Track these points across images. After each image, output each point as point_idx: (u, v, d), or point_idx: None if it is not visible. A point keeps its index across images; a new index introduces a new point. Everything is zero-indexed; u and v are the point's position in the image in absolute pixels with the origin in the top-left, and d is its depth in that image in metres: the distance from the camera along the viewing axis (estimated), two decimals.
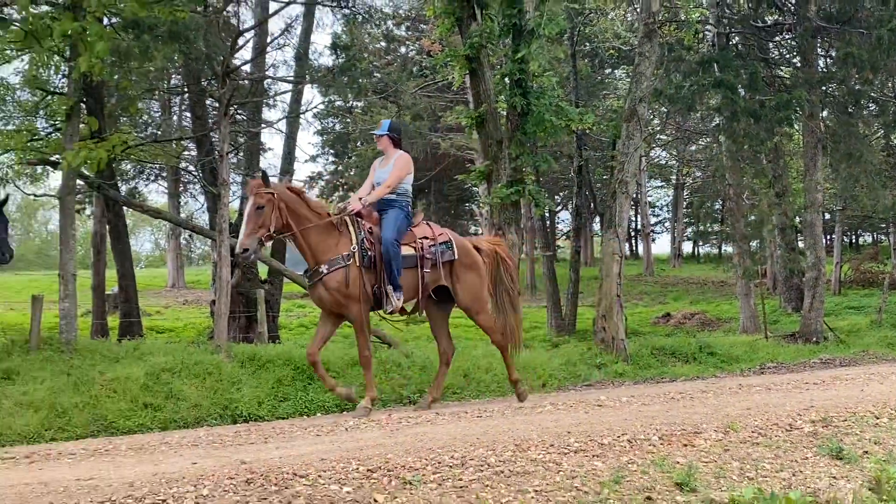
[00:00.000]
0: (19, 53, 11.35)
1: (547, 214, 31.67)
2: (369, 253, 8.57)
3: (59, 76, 11.78)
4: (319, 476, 4.89)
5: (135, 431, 8.35)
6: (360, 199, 9.02)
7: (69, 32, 9.39)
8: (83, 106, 10.88)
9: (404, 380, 10.53)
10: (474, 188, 35.05)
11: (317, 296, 8.68)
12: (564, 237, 50.19)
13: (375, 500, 4.53)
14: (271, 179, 8.65)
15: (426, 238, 9.06)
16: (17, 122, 12.26)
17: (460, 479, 4.94)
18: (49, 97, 11.94)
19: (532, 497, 4.71)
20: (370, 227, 8.79)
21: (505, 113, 14.51)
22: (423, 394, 10.28)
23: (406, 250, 8.82)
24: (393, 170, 9.05)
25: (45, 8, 10.82)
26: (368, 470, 5.01)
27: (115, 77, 11.58)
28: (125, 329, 14.46)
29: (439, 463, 5.23)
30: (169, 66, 12.85)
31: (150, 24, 10.28)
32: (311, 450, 6.28)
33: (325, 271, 8.39)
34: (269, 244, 9.64)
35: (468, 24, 14.40)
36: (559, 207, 44.93)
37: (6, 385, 8.91)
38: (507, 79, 14.11)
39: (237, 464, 5.65)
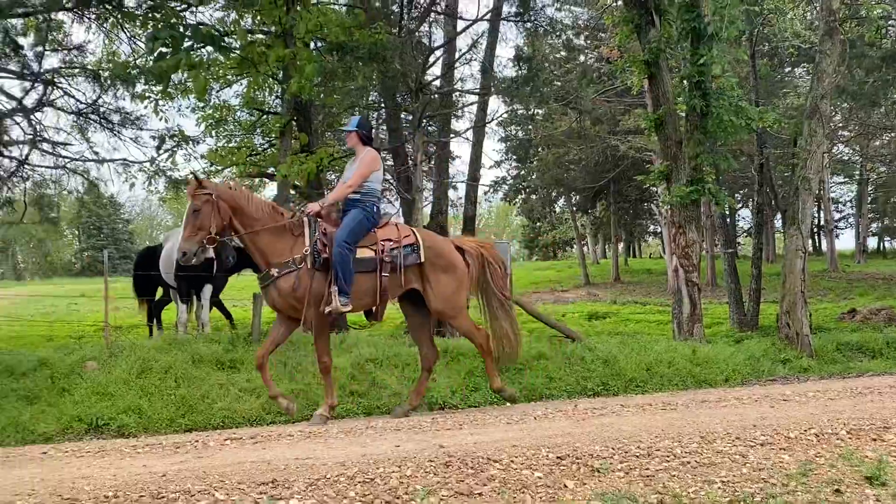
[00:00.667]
0: (239, 78, 12.01)
1: (727, 212, 30.50)
2: (322, 256, 7.82)
3: (273, 97, 12.41)
4: (512, 461, 4.94)
5: (343, 416, 8.62)
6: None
7: (282, 58, 9.89)
8: (294, 123, 11.40)
9: (588, 372, 10.45)
10: (653, 188, 34.25)
11: (270, 299, 8.08)
12: (745, 234, 48.20)
13: (566, 486, 4.55)
14: (216, 183, 8.17)
15: (389, 240, 8.17)
16: (237, 140, 12.99)
17: (647, 469, 4.87)
18: (265, 116, 12.62)
19: (718, 487, 4.59)
20: (325, 229, 7.98)
21: (684, 114, 14.12)
22: (606, 386, 10.20)
23: (364, 253, 8.00)
24: (357, 167, 8.23)
25: (259, 36, 11.43)
26: (558, 457, 5.02)
27: (322, 96, 12.03)
28: (332, 323, 15.04)
29: (626, 452, 5.18)
30: (368, 84, 13.25)
31: (352, 47, 10.66)
32: (502, 436, 6.34)
33: (276, 275, 7.80)
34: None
35: (647, 31, 14.16)
36: (739, 205, 43.19)
37: (232, 373, 9.43)
38: (686, 81, 13.72)
39: (436, 447, 5.78)
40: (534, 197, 45.57)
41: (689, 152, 13.60)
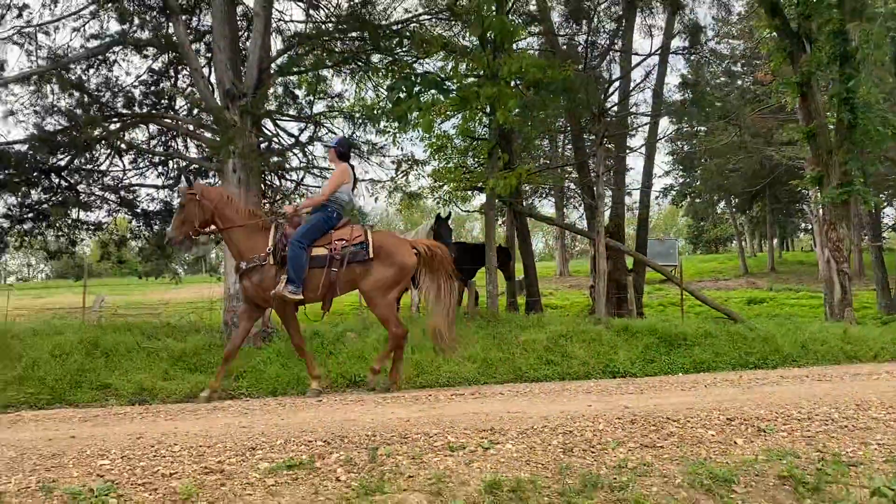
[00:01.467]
0: (455, 113, 12.27)
1: (874, 209, 27.91)
2: (281, 254, 7.41)
3: (482, 127, 12.59)
4: (688, 421, 4.78)
5: (541, 380, 8.64)
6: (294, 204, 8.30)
7: (490, 95, 10.02)
8: (498, 146, 11.52)
9: (749, 348, 9.90)
10: (805, 191, 31.94)
11: (243, 289, 7.68)
12: (889, 229, 43.90)
13: (736, 443, 4.35)
14: (202, 185, 7.93)
15: (342, 239, 7.59)
16: (454, 161, 13.26)
17: (808, 431, 4.57)
18: (475, 142, 12.82)
19: (875, 448, 4.23)
20: (287, 231, 7.58)
21: (833, 126, 13.12)
22: (765, 360, 9.62)
23: (318, 251, 7.49)
24: (329, 180, 7.97)
25: (472, 79, 11.63)
26: (728, 419, 4.81)
27: (521, 124, 12.07)
28: (530, 306, 15.08)
29: (788, 416, 4.88)
30: (559, 112, 13.17)
31: (546, 84, 10.65)
32: (678, 400, 6.15)
33: (244, 268, 7.48)
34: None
35: (798, 56, 13.32)
36: (885, 203, 39.31)
37: None
38: (835, 98, 12.74)
39: (622, 408, 5.69)
40: (698, 200, 43.61)
41: (839, 159, 12.64)
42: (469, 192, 14.92)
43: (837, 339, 10.36)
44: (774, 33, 14.25)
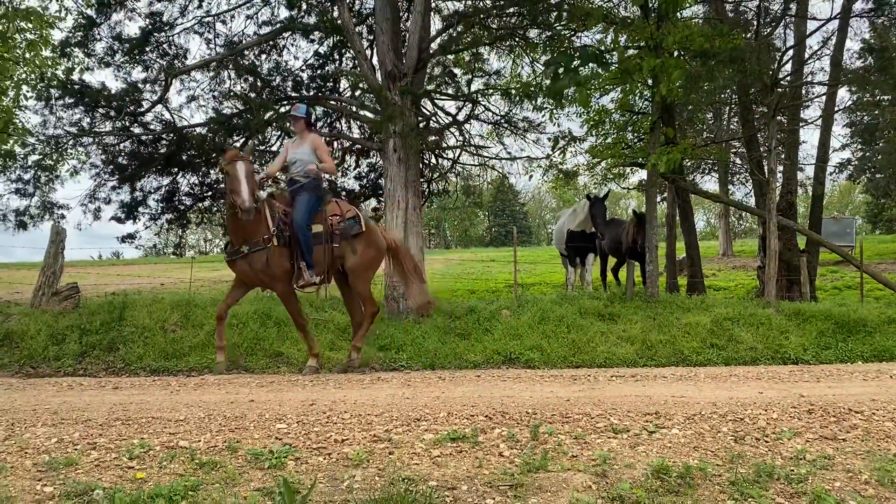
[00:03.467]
0: (614, 87, 11.93)
1: None
2: (285, 234, 7.23)
3: (643, 100, 12.16)
4: (874, 413, 4.42)
5: (705, 364, 8.34)
6: (274, 175, 7.87)
7: (653, 67, 9.64)
8: (661, 121, 11.08)
9: None
10: None
11: (239, 269, 7.29)
12: None
13: None
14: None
15: (336, 215, 7.60)
16: (612, 137, 12.89)
17: None
18: (635, 116, 12.40)
19: None
20: (283, 209, 7.35)
21: None
22: None
23: (316, 228, 7.42)
24: (323, 155, 7.67)
25: (633, 51, 11.24)
26: None
27: (686, 96, 11.54)
28: (692, 287, 14.48)
29: None
30: (728, 83, 12.44)
31: (713, 53, 10.09)
32: (860, 391, 5.71)
33: (247, 251, 7.10)
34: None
35: None
36: None
37: (611, 324, 9.52)
38: None
39: (796, 396, 5.36)
40: (879, 176, 40.00)
41: None
42: (626, 169, 14.49)
43: None
44: None
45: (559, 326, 9.27)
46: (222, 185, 9.67)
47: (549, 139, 13.35)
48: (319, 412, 4.94)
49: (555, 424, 4.43)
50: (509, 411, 4.76)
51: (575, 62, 11.02)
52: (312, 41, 13.49)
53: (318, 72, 13.53)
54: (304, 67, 13.57)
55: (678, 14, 10.95)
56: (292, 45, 13.60)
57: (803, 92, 16.52)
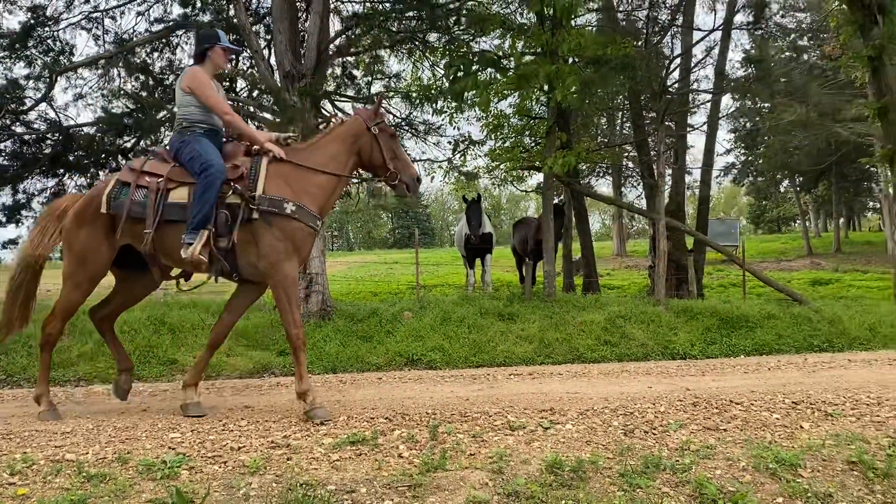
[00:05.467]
0: (513, 92, 12.15)
1: None
2: None
3: (539, 106, 12.45)
4: (752, 404, 4.70)
5: (598, 361, 8.59)
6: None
7: (549, 73, 9.89)
8: (556, 125, 11.39)
9: (814, 331, 9.64)
10: (874, 169, 30.85)
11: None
12: None
13: (802, 427, 4.26)
14: None
15: None
16: (511, 141, 13.13)
17: (877, 416, 4.44)
18: (532, 121, 12.68)
19: None
20: None
21: None
22: (831, 343, 9.35)
23: None
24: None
25: (530, 57, 11.49)
26: (793, 402, 4.71)
27: (579, 102, 11.89)
28: (587, 286, 14.95)
29: (857, 401, 4.75)
30: (619, 90, 12.89)
31: (605, 60, 10.46)
32: (740, 383, 6.06)
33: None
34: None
35: (869, 29, 12.74)
36: None
37: (510, 324, 9.70)
38: None
39: (683, 390, 5.64)
40: (760, 179, 42.51)
41: None
42: (525, 172, 14.80)
43: None
44: (844, 6, 13.67)
45: (460, 327, 9.37)
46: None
47: (449, 142, 13.46)
48: (215, 420, 4.82)
49: (454, 424, 4.49)
50: (409, 413, 4.79)
51: (474, 66, 11.24)
52: None
53: None
54: None
55: (572, 22, 11.27)
56: (186, 42, 13.18)
57: (690, 99, 17.36)
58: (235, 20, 11.02)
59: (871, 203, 46.29)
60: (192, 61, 5.79)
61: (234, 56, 6.49)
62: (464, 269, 15.64)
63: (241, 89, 13.22)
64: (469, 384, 6.46)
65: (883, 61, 12.75)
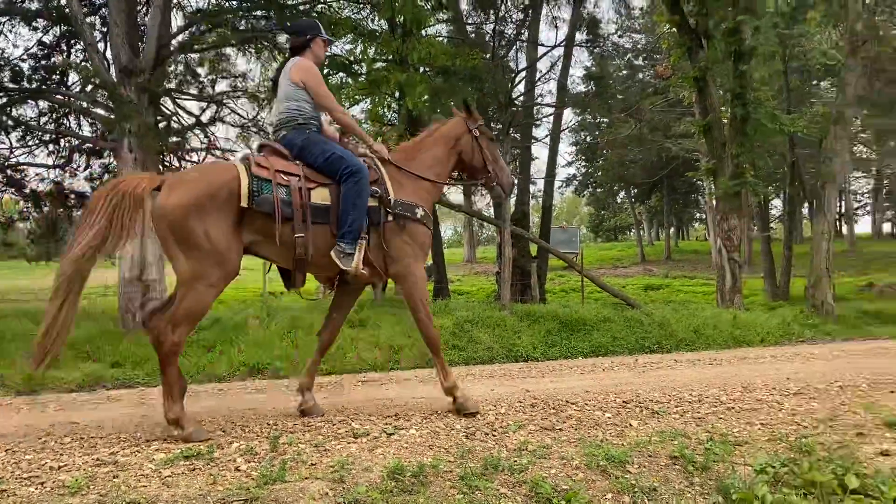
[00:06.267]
0: (364, 98, 12.14)
1: (762, 201, 29.57)
2: None
3: (391, 112, 12.50)
4: (586, 404, 4.91)
5: (448, 365, 8.70)
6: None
7: (399, 80, 9.95)
8: (407, 132, 11.48)
9: (645, 333, 10.26)
10: (700, 182, 33.51)
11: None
12: (777, 220, 46.60)
13: (631, 424, 4.50)
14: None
15: None
16: None
17: (698, 412, 4.78)
18: (384, 127, 12.72)
19: (758, 428, 4.47)
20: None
21: (727, 121, 13.76)
22: (661, 345, 9.99)
23: None
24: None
25: (381, 64, 11.52)
26: (623, 401, 4.97)
27: (429, 110, 12.04)
28: (437, 292, 15.17)
29: (680, 399, 5.09)
30: (467, 99, 13.18)
31: (454, 71, 10.67)
32: (577, 384, 6.33)
33: None
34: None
35: (696, 52, 13.87)
36: (773, 196, 41.69)
37: (361, 330, 9.63)
38: (729, 93, 13.36)
39: (523, 391, 5.81)
40: (599, 190, 45.02)
41: (732, 152, 13.25)
42: None
43: (728, 325, 10.89)
44: (674, 29, 14.76)
45: (309, 334, 9.17)
46: None
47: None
48: (34, 438, 4.43)
49: (296, 434, 4.38)
50: (250, 424, 4.62)
51: (324, 70, 11.11)
52: (35, 29, 12.13)
53: (43, 63, 12.18)
54: (25, 57, 12.16)
55: (423, 31, 11.43)
56: (11, 31, 12.13)
57: (535, 111, 18.07)
58: (67, 10, 10.26)
59: (697, 214, 50.21)
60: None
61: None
62: None
63: (74, 82, 12.36)
64: (315, 392, 6.32)
65: (707, 82, 13.89)
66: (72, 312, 4.26)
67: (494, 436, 4.36)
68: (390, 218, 4.84)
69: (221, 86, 12.39)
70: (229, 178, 4.44)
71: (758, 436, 4.34)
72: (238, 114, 12.87)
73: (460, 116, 5.51)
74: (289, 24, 5.94)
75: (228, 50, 12.27)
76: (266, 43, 12.01)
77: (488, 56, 14.04)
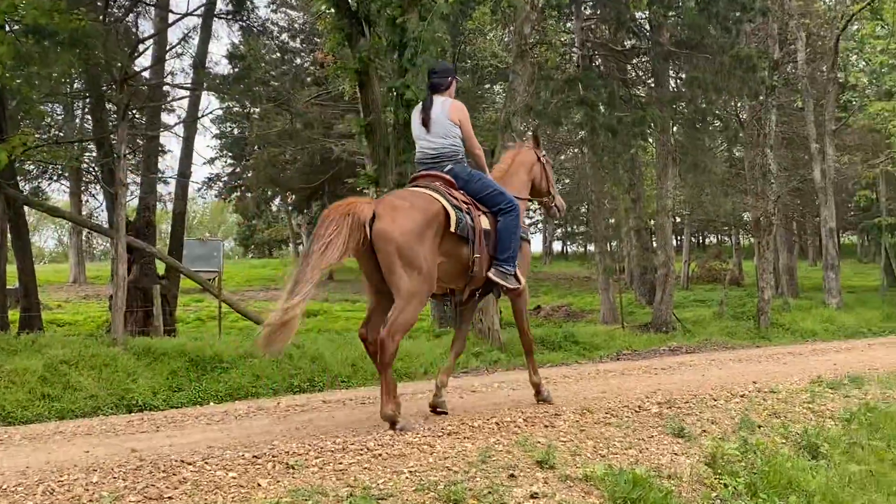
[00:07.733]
0: None
1: None
2: None
3: None
4: (206, 463, 4.75)
5: (32, 421, 7.96)
6: None
7: None
8: None
9: (295, 369, 10.37)
10: (365, 190, 35.02)
11: None
12: None
13: (259, 485, 4.43)
14: None
15: None
16: None
17: (340, 463, 4.87)
18: None
19: (406, 477, 4.68)
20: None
21: (392, 122, 14.43)
22: (313, 382, 10.16)
23: None
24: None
25: None
26: (254, 456, 4.89)
27: (17, 81, 10.98)
28: (25, 323, 13.81)
29: (322, 448, 5.15)
30: (70, 71, 12.23)
31: (51, 32, 9.83)
32: (200, 437, 6.14)
33: None
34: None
35: (357, 40, 14.29)
36: None
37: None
38: (393, 92, 14.02)
39: (128, 452, 5.49)
40: (249, 195, 44.81)
41: (395, 158, 13.93)
42: None
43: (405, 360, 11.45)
44: (332, 9, 15.06)
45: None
46: None
47: None
48: None
49: None
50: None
51: None
52: None
53: None
54: None
55: None
56: None
57: (164, 92, 17.42)
58: None
59: None
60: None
61: None
62: None
63: None
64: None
65: (370, 76, 14.42)
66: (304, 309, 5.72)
67: None
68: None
69: None
70: (437, 207, 5.98)
71: (405, 486, 4.55)
72: None
73: (528, 146, 7.61)
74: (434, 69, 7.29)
75: None
76: None
77: (101, 18, 13.19)
